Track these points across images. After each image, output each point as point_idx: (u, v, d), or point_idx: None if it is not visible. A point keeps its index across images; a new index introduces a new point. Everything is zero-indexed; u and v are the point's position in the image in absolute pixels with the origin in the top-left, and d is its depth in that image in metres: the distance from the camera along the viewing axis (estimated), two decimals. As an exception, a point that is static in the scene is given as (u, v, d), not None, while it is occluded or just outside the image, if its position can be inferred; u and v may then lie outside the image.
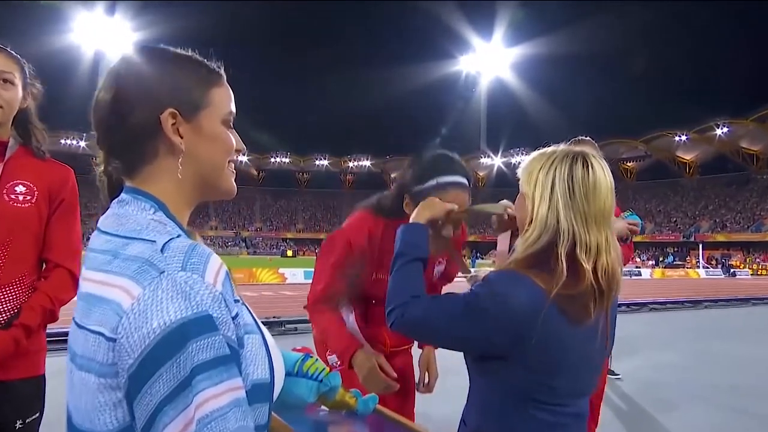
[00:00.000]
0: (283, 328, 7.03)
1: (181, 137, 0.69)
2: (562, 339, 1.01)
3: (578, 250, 1.01)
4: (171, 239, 0.62)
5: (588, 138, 2.49)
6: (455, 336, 1.06)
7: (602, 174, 1.07)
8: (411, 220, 1.28)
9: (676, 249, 49.75)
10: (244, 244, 73.64)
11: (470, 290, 1.06)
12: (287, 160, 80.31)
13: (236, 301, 0.63)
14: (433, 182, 1.39)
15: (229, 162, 0.74)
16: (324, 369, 1.06)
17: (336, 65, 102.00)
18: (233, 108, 0.75)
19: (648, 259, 44.75)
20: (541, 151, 1.13)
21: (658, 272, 32.97)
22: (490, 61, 53.04)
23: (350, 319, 1.66)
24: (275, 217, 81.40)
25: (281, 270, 20.84)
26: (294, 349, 1.09)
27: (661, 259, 45.28)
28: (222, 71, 0.75)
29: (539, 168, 1.09)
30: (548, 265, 1.02)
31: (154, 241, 0.62)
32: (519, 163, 1.19)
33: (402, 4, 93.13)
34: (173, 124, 0.69)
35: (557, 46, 65.88)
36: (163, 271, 0.58)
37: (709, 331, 8.38)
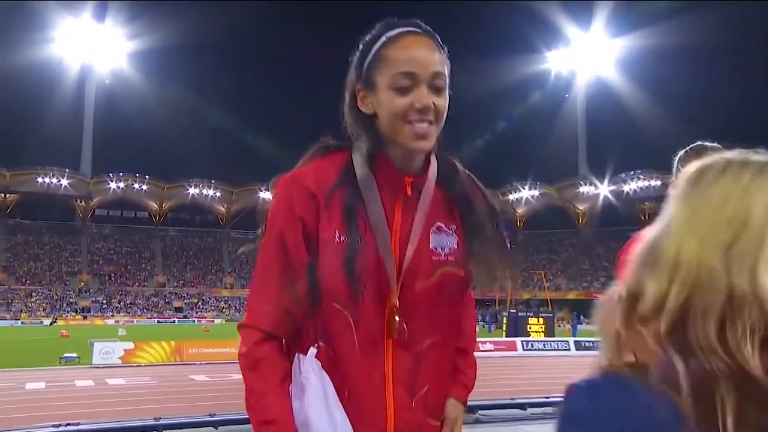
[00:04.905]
0: None
1: None
2: None
3: None
4: None
5: (716, 145, 2.43)
6: None
7: None
8: None
9: None
10: (265, 308, 73.28)
11: None
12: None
13: None
14: (377, 44, 1.32)
15: None
16: None
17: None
18: None
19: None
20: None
21: None
22: (588, 56, 51.61)
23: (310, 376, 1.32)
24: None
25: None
26: None
27: None
28: None
29: None
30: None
31: None
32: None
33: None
34: None
35: (681, 35, 63.36)
36: None
37: None
